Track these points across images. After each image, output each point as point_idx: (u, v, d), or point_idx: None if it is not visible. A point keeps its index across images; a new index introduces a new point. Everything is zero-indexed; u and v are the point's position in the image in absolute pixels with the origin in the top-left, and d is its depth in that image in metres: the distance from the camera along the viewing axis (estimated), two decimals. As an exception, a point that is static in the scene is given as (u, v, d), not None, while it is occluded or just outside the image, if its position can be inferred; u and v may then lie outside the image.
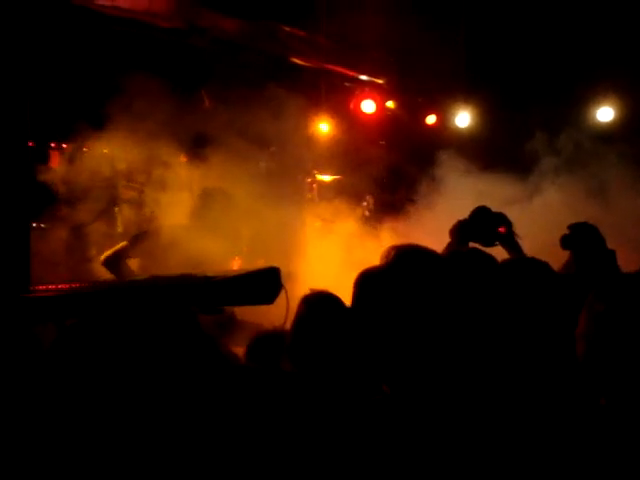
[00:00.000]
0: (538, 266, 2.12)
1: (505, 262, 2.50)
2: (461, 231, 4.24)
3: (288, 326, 2.86)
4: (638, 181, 7.87)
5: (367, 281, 2.07)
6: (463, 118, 10.39)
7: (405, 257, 2.03)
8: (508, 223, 4.32)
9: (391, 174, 9.23)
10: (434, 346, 1.82)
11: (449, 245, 4.14)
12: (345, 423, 2.16)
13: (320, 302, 2.75)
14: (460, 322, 1.85)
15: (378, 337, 1.93)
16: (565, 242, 4.19)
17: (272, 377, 2.44)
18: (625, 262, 4.07)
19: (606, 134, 9.41)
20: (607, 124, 9.78)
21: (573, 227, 4.22)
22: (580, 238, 4.11)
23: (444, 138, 9.86)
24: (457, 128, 10.40)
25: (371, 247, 6.81)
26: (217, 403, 1.95)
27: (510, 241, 4.25)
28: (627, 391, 1.72)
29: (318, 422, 2.30)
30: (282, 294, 2.57)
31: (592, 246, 4.05)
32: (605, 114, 9.84)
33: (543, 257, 2.55)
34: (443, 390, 1.85)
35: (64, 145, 7.76)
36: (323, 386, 2.45)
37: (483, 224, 4.28)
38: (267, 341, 3.21)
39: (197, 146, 6.71)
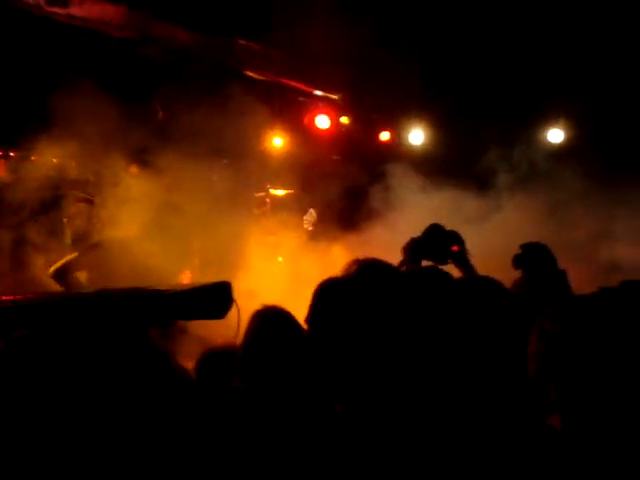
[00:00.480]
0: (491, 285, 2.12)
1: (459, 280, 2.50)
2: (414, 249, 4.24)
3: (239, 341, 2.82)
4: (588, 199, 8.03)
5: (327, 291, 2.03)
6: (416, 135, 10.47)
7: (367, 270, 2.00)
8: (460, 241, 4.34)
9: (344, 189, 9.23)
10: (389, 361, 1.80)
11: (402, 262, 4.14)
12: (295, 440, 2.13)
13: (272, 317, 2.73)
14: (415, 338, 1.84)
15: (333, 349, 1.90)
16: (517, 261, 4.25)
17: (222, 394, 2.41)
18: (578, 279, 4.12)
19: (557, 154, 9.58)
20: (557, 145, 9.96)
21: (525, 247, 4.28)
22: (531, 258, 4.16)
23: (398, 154, 9.92)
24: (410, 145, 10.48)
25: (322, 262, 6.80)
26: (167, 419, 1.91)
27: (462, 259, 4.26)
28: (577, 410, 1.73)
29: (267, 439, 2.26)
30: (233, 308, 2.54)
31: (543, 266, 4.11)
32: (555, 135, 10.02)
33: (497, 274, 2.56)
34: (395, 407, 1.83)
35: (11, 153, 7.61)
36: (272, 403, 2.42)
37: (436, 242, 4.28)
38: (218, 356, 3.17)
39: (149, 157, 6.63)
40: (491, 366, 1.97)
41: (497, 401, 1.94)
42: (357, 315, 1.89)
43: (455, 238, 4.33)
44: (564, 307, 1.84)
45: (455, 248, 4.26)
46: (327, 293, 2.03)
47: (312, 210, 9.30)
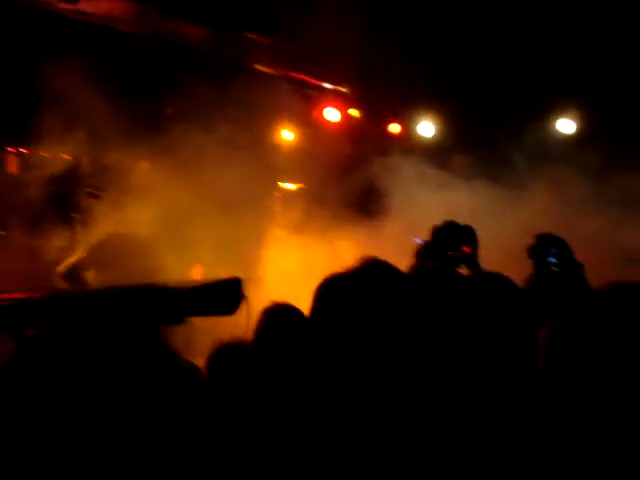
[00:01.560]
0: (500, 281, 2.11)
1: (468, 277, 2.49)
2: (425, 253, 4.20)
3: (249, 337, 2.83)
4: (601, 191, 7.98)
5: (329, 287, 2.00)
6: (426, 127, 10.45)
7: (371, 268, 1.97)
8: (473, 241, 4.27)
9: (355, 183, 9.22)
10: (395, 358, 1.79)
11: (412, 267, 4.09)
12: (307, 439, 2.14)
13: (282, 314, 2.73)
14: (422, 336, 1.83)
15: (336, 345, 1.88)
16: (532, 252, 4.15)
17: (229, 400, 2.42)
18: (595, 270, 4.05)
19: (567, 145, 9.53)
20: (569, 136, 9.90)
21: (539, 237, 4.17)
22: (546, 248, 4.07)
23: (408, 146, 9.90)
24: (420, 137, 10.45)
25: (334, 258, 6.80)
26: (172, 419, 1.92)
27: (472, 263, 4.19)
28: (586, 404, 1.72)
29: (276, 438, 2.27)
30: (243, 305, 2.55)
31: (559, 258, 4.02)
32: (566, 126, 9.96)
33: (511, 267, 2.56)
34: (405, 403, 1.83)
35: (22, 150, 7.64)
36: (283, 401, 2.42)
37: (448, 242, 4.23)
38: (228, 352, 3.18)
39: (159, 153, 6.64)
40: (500, 364, 1.97)
41: (507, 397, 1.94)
42: (361, 312, 1.86)
43: (468, 237, 4.26)
44: (573, 300, 1.83)
45: (467, 249, 4.20)
46: (329, 289, 1.99)
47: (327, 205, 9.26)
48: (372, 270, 1.92)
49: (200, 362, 3.29)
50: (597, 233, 7.15)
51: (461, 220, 4.55)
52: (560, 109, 9.96)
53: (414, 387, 1.77)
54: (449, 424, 1.79)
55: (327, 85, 10.07)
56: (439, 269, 2.35)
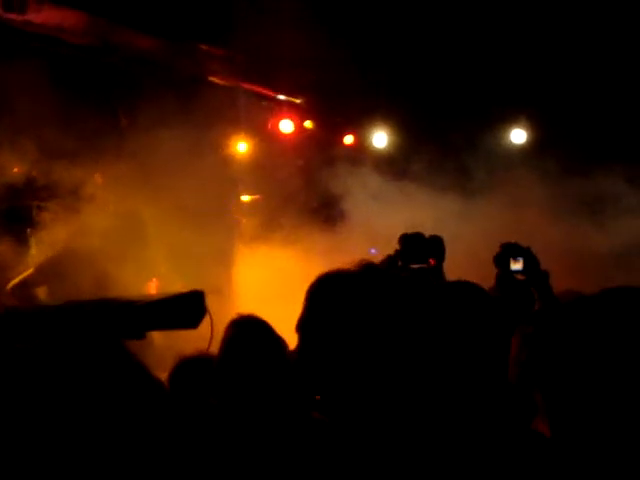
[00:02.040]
0: (472, 289, 2.10)
1: (441, 285, 2.48)
2: (391, 265, 4.17)
3: (212, 350, 2.78)
4: (554, 199, 8.11)
5: (328, 284, 1.90)
6: (380, 138, 10.51)
7: (370, 269, 1.90)
8: (440, 252, 4.24)
9: (310, 193, 9.22)
10: (381, 363, 1.75)
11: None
12: (275, 452, 2.10)
13: (249, 326, 2.69)
14: (405, 343, 1.79)
15: (330, 351, 1.79)
16: (497, 261, 4.14)
17: (199, 406, 2.36)
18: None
19: (520, 154, 9.68)
20: (520, 145, 10.04)
21: (505, 246, 4.17)
22: (509, 257, 4.07)
23: (362, 157, 9.94)
24: (374, 148, 10.51)
25: (291, 269, 6.77)
26: (145, 431, 1.86)
27: (438, 275, 4.17)
28: (566, 415, 1.71)
29: (246, 451, 2.23)
30: (206, 318, 2.50)
31: (525, 267, 4.01)
32: (518, 136, 10.10)
33: (470, 275, 2.55)
34: (381, 413, 1.79)
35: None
36: (250, 414, 2.38)
37: (413, 253, 4.20)
38: (191, 365, 3.13)
39: (113, 165, 6.54)
40: (474, 370, 1.95)
41: (482, 406, 1.92)
42: (359, 313, 1.78)
43: (436, 248, 4.23)
44: (547, 311, 1.83)
45: (433, 261, 4.16)
46: (328, 286, 1.89)
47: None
48: (369, 271, 1.85)
49: (162, 377, 3.23)
50: (554, 239, 7.25)
51: (419, 228, 4.54)
52: (512, 119, 10.10)
53: (396, 392, 1.74)
54: (429, 433, 1.76)
55: (281, 96, 10.06)
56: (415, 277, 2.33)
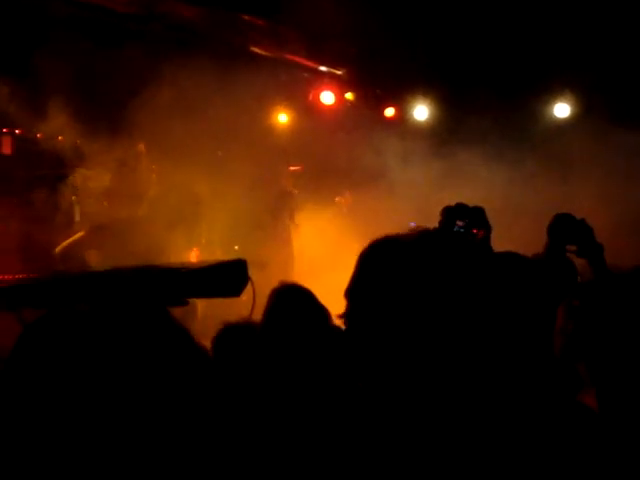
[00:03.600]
0: (521, 261, 2.09)
1: (490, 256, 2.47)
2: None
3: (255, 318, 2.82)
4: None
5: (382, 251, 1.82)
6: (421, 111, 10.44)
7: (429, 235, 1.83)
8: (485, 224, 4.14)
9: (351, 166, 9.20)
10: (431, 337, 1.73)
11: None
12: (316, 420, 2.13)
13: (292, 294, 2.72)
14: (455, 312, 1.77)
15: (376, 315, 1.75)
16: (551, 232, 4.03)
17: (242, 373, 2.41)
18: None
19: (564, 128, 9.56)
20: (564, 119, 9.91)
21: (559, 217, 4.05)
22: (565, 228, 3.96)
23: (403, 130, 9.89)
24: (415, 120, 10.44)
25: (337, 239, 6.79)
26: (189, 396, 1.91)
27: (484, 245, 4.09)
28: (611, 387, 1.72)
29: (288, 418, 2.27)
30: (248, 287, 2.54)
31: (578, 238, 3.90)
32: (562, 110, 9.97)
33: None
34: (429, 383, 1.80)
35: (17, 131, 7.57)
36: (294, 381, 2.42)
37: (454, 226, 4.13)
38: (235, 332, 3.17)
39: (156, 135, 6.59)
40: (520, 341, 1.95)
41: (528, 377, 1.92)
42: (412, 280, 1.71)
43: (479, 219, 4.13)
44: (594, 284, 1.83)
45: (480, 233, 4.07)
46: (382, 251, 1.78)
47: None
48: (425, 238, 1.80)
49: (205, 344, 3.28)
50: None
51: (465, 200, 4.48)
52: (556, 93, 9.96)
53: (441, 365, 1.75)
54: (470, 406, 1.77)
55: (323, 68, 10.02)
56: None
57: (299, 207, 8.29)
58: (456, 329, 1.68)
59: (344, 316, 1.74)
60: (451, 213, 4.10)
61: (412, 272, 1.69)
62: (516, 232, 4.48)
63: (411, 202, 8.02)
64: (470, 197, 4.48)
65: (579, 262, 4.11)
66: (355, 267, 1.78)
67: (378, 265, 1.75)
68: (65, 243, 5.81)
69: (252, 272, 2.57)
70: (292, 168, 9.67)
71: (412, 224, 7.32)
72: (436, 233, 1.85)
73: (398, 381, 1.70)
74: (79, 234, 5.85)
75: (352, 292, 1.77)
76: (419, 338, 1.66)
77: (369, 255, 1.77)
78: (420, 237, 1.75)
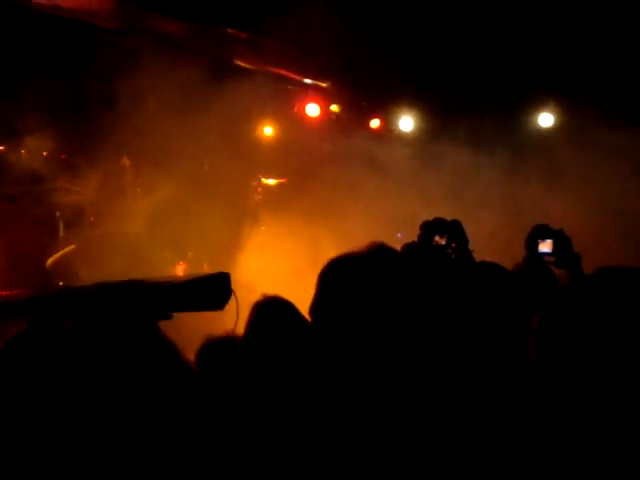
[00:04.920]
0: (498, 271, 2.11)
1: (466, 266, 2.49)
2: (412, 250, 4.13)
3: (238, 331, 2.82)
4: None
5: (339, 268, 1.87)
6: (406, 122, 10.47)
7: (380, 250, 1.88)
8: (460, 235, 4.16)
9: (336, 177, 9.21)
10: (397, 347, 1.76)
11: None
12: (299, 432, 2.13)
13: (274, 307, 2.72)
14: (422, 326, 1.81)
15: (342, 334, 1.80)
16: (529, 243, 4.07)
17: (226, 385, 2.41)
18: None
19: (548, 138, 9.61)
20: (548, 129, 9.97)
21: (536, 228, 4.08)
22: (539, 239, 3.99)
23: (388, 141, 9.92)
24: (401, 132, 10.47)
25: (316, 252, 6.78)
26: (175, 409, 1.90)
27: (464, 257, 4.11)
28: (580, 393, 1.74)
29: (271, 430, 2.27)
30: (231, 300, 2.54)
31: (555, 249, 3.94)
32: (546, 119, 10.03)
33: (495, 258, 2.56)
34: (396, 394, 1.82)
35: (0, 147, 7.55)
36: (276, 393, 2.42)
37: (432, 239, 4.15)
38: (217, 346, 3.17)
39: (140, 149, 6.60)
40: (492, 350, 1.97)
41: (502, 385, 1.94)
42: (370, 295, 1.76)
43: (456, 232, 4.16)
44: (566, 291, 1.84)
45: (454, 246, 4.09)
46: (339, 271, 1.85)
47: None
48: (380, 253, 1.84)
49: (189, 358, 3.28)
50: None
51: (443, 214, 4.51)
52: (540, 103, 10.03)
53: (413, 374, 1.76)
54: (448, 416, 1.79)
55: (307, 80, 10.05)
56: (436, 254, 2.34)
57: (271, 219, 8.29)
58: (413, 339, 1.70)
59: (311, 333, 1.78)
60: (429, 228, 4.13)
61: (367, 288, 1.73)
62: (496, 243, 4.50)
63: (397, 213, 8.05)
64: (455, 208, 4.54)
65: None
66: (316, 285, 1.83)
67: (336, 283, 1.79)
68: (57, 255, 5.82)
69: (241, 292, 2.58)
70: (274, 181, 9.67)
71: (399, 235, 7.35)
72: (387, 247, 1.89)
73: (365, 394, 1.72)
74: (70, 247, 5.86)
75: (315, 309, 1.80)
76: (381, 351, 1.68)
77: (327, 274, 1.82)
78: (373, 252, 1.79)
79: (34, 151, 6.80)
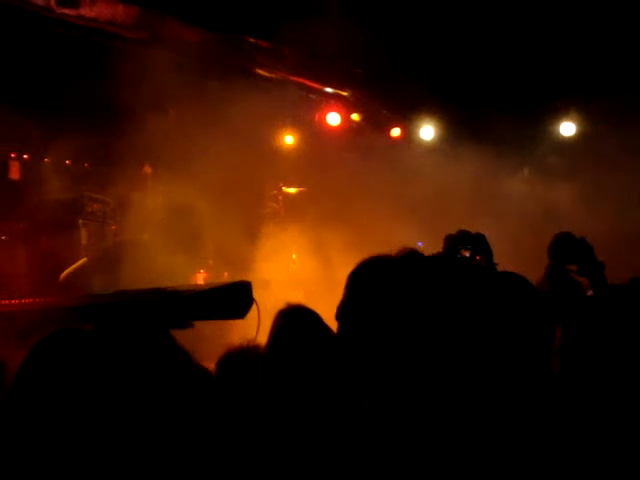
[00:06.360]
0: (518, 281, 2.10)
1: (489, 276, 2.48)
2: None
3: (259, 340, 2.81)
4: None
5: (369, 270, 1.84)
6: (427, 131, 10.45)
7: (413, 256, 1.84)
8: (485, 248, 4.13)
9: (356, 186, 9.21)
10: (426, 353, 1.73)
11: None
12: (320, 440, 2.12)
13: (298, 316, 2.71)
14: (452, 332, 1.78)
15: (370, 337, 1.76)
16: (552, 252, 4.03)
17: (245, 395, 2.40)
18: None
19: (569, 147, 9.56)
20: (570, 138, 9.91)
21: (559, 237, 4.04)
22: (567, 248, 3.94)
23: (409, 150, 9.91)
24: (422, 140, 10.46)
25: (335, 262, 6.78)
26: (190, 418, 1.90)
27: (489, 269, 4.07)
28: (602, 403, 1.72)
29: (290, 440, 2.26)
30: (253, 308, 2.53)
31: (580, 257, 3.89)
32: (568, 128, 9.97)
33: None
34: (422, 401, 1.80)
35: (25, 156, 7.62)
36: (298, 403, 2.41)
37: (457, 253, 4.12)
38: (239, 356, 3.16)
39: (162, 157, 6.63)
40: (514, 360, 1.95)
41: (526, 396, 1.92)
42: (399, 299, 1.72)
43: (480, 245, 4.12)
44: (589, 302, 1.83)
45: (479, 258, 4.05)
46: (369, 272, 1.80)
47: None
48: (412, 258, 1.81)
49: (210, 367, 3.27)
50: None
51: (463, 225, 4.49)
52: (561, 112, 9.98)
53: (438, 382, 1.74)
54: (469, 424, 1.77)
55: (328, 89, 10.06)
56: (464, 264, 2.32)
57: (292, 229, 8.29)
58: (440, 346, 1.68)
59: (337, 338, 1.75)
60: (454, 240, 4.10)
61: (397, 292, 1.70)
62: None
63: (419, 222, 8.03)
64: (478, 219, 4.52)
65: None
66: (345, 288, 1.80)
67: (365, 287, 1.76)
68: (69, 270, 5.81)
69: (256, 291, 2.57)
70: (294, 190, 9.66)
71: (419, 244, 7.33)
72: (419, 254, 1.86)
73: (392, 399, 1.70)
74: (82, 260, 5.86)
75: (342, 314, 1.77)
76: (408, 357, 1.66)
77: (356, 277, 1.79)
78: (406, 257, 1.76)
79: (58, 159, 6.86)
